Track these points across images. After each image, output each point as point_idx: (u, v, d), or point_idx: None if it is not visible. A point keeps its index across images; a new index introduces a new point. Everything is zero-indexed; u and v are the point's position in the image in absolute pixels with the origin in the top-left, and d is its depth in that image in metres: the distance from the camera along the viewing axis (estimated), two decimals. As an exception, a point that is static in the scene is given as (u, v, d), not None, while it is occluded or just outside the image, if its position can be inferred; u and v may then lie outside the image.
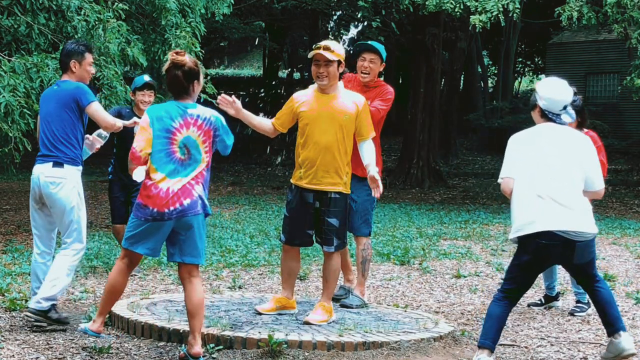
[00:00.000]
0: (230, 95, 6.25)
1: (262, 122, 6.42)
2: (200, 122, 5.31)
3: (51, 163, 6.01)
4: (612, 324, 5.47)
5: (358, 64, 6.86)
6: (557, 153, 5.41)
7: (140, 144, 5.30)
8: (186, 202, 5.24)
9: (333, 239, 6.14)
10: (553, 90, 5.56)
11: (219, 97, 6.23)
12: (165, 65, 5.34)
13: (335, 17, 22.94)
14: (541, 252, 5.33)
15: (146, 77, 8.32)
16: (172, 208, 5.23)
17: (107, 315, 6.05)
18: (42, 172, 6.03)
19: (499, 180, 5.54)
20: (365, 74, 6.82)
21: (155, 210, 5.24)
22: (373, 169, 6.20)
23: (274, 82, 34.81)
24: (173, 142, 5.28)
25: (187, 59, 5.31)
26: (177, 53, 5.33)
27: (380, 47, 6.89)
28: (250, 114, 6.40)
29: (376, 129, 6.49)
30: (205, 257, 5.40)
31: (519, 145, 5.51)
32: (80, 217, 6.09)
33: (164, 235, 5.35)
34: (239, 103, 6.19)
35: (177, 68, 5.28)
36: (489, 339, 5.39)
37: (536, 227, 5.28)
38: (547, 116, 5.56)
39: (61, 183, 5.99)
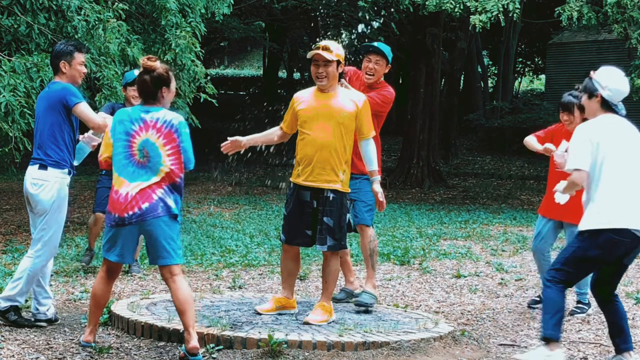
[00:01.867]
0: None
1: (269, 135, 6.53)
2: (159, 125, 5.31)
3: (37, 165, 6.02)
4: (626, 340, 5.49)
5: (363, 65, 6.87)
6: (627, 147, 5.36)
7: (101, 148, 5.53)
8: (144, 205, 5.25)
9: (327, 238, 6.11)
10: (619, 81, 5.45)
11: (221, 148, 6.37)
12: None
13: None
14: (610, 248, 5.28)
15: (137, 72, 8.31)
16: (130, 212, 5.26)
17: (109, 320, 6.06)
18: (30, 174, 6.05)
19: (569, 169, 5.37)
20: (369, 75, 6.83)
21: (117, 215, 5.30)
22: (377, 184, 6.24)
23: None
24: (132, 145, 5.32)
25: (158, 64, 5.37)
26: (148, 59, 5.41)
27: (386, 49, 6.88)
28: (253, 136, 6.53)
29: (374, 124, 6.48)
30: (180, 256, 5.34)
31: (591, 137, 5.34)
32: (54, 221, 6.00)
33: (130, 240, 5.37)
34: (237, 137, 6.38)
35: (147, 73, 5.36)
36: (559, 331, 5.37)
37: (614, 223, 5.24)
38: (608, 106, 5.45)
39: (43, 185, 5.98)
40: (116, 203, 5.29)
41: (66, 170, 6.04)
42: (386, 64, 6.88)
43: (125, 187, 5.28)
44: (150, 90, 5.36)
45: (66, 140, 6.04)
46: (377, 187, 6.26)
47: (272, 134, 6.51)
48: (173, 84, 5.46)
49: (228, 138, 6.40)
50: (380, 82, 6.91)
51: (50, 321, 6.12)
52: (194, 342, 5.20)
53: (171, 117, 5.34)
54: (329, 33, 28.70)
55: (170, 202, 5.29)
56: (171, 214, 5.29)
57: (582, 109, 7.22)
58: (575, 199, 7.16)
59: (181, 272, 5.38)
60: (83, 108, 5.99)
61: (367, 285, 6.75)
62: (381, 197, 6.24)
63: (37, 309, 6.13)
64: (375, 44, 6.96)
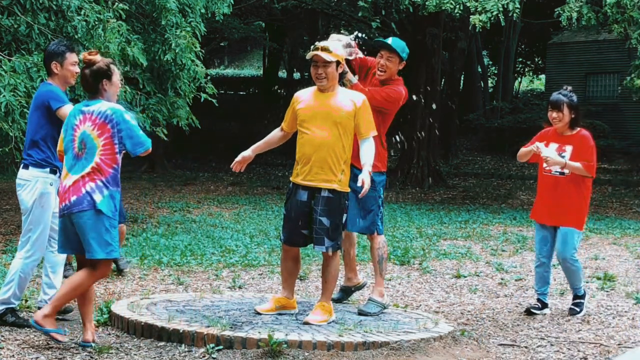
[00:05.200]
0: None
1: (271, 139, 6.56)
2: (94, 117, 5.41)
3: (22, 165, 6.09)
4: None
5: (375, 60, 6.78)
6: None
7: (59, 143, 5.66)
8: (73, 198, 5.36)
9: (324, 239, 6.09)
10: None
11: (232, 168, 6.48)
12: None
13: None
14: None
15: None
16: (63, 204, 5.41)
17: (109, 319, 6.06)
18: (18, 175, 6.13)
19: None
20: (381, 71, 6.76)
21: (58, 207, 5.49)
22: (364, 173, 6.06)
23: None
24: (74, 139, 5.45)
25: (98, 58, 5.48)
26: (89, 53, 5.52)
27: (399, 46, 6.73)
28: (256, 144, 6.56)
29: (378, 121, 6.45)
30: (106, 251, 5.35)
31: None
32: (39, 221, 5.98)
33: (66, 231, 5.46)
34: (243, 154, 6.45)
35: (87, 67, 5.48)
36: None
37: None
38: None
39: (24, 185, 6.03)
40: (59, 195, 5.48)
41: (48, 170, 6.04)
42: (399, 60, 6.74)
43: (66, 179, 5.44)
44: (90, 83, 5.48)
45: (48, 141, 6.04)
46: (362, 174, 6.04)
47: (274, 137, 6.52)
48: (115, 77, 5.54)
49: (235, 160, 6.46)
50: (393, 80, 6.77)
51: None
52: (36, 314, 5.39)
53: (106, 107, 5.43)
54: (331, 32, 28.65)
55: (97, 197, 5.35)
56: (96, 209, 5.33)
57: (571, 107, 7.20)
58: (567, 201, 7.15)
59: (101, 267, 5.43)
60: (66, 111, 5.94)
61: (374, 293, 6.66)
62: (366, 180, 6.00)
63: (42, 298, 6.17)
64: (390, 40, 6.79)
